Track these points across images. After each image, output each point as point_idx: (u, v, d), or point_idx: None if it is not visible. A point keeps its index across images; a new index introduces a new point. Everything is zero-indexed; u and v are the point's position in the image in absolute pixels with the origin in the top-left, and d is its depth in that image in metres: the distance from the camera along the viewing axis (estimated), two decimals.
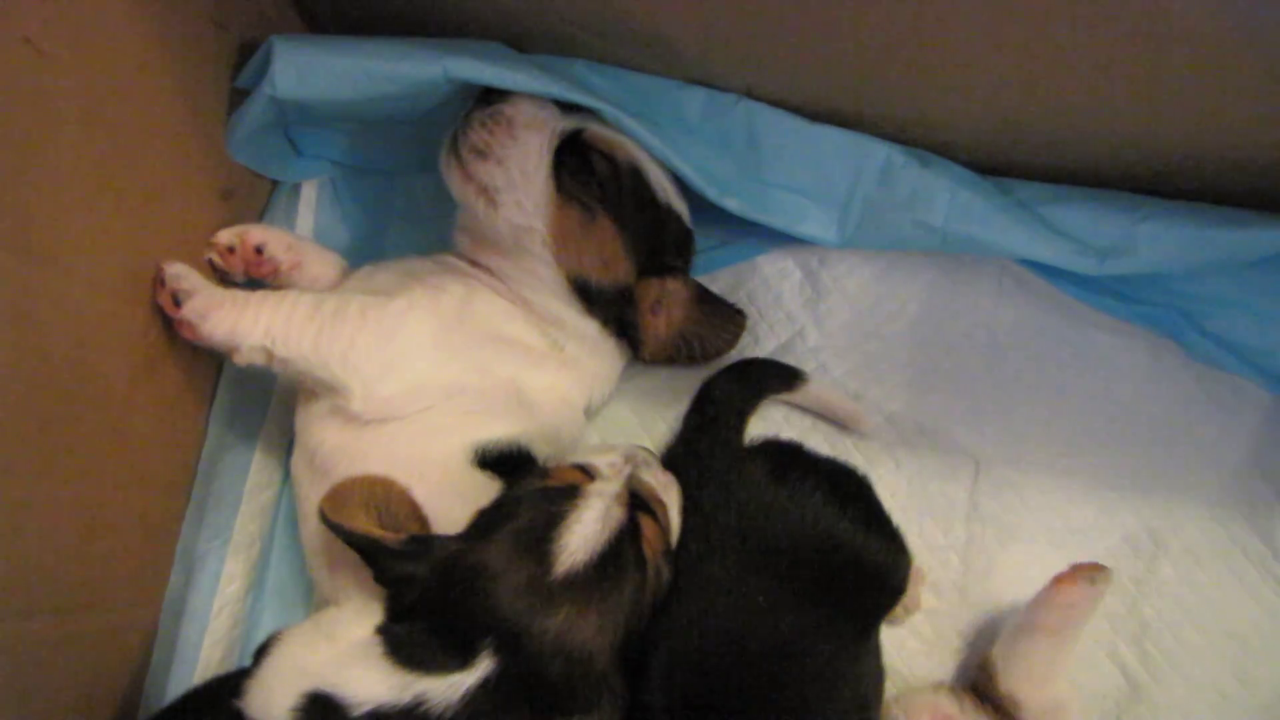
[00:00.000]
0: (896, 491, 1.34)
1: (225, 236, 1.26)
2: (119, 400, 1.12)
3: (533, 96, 1.21)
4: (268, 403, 1.37)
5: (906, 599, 1.24)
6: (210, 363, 1.31)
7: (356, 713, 0.99)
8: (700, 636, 1.07)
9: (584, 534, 1.01)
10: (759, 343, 1.40)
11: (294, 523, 1.34)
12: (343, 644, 1.06)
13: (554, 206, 1.20)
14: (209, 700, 1.12)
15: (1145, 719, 1.25)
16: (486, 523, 1.05)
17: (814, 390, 1.33)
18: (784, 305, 1.40)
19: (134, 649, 1.24)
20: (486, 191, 1.20)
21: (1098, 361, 1.37)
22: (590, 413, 1.32)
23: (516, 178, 1.19)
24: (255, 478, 1.35)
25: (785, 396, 1.34)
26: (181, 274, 1.16)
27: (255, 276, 1.29)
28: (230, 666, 1.27)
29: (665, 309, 1.28)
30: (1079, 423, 1.35)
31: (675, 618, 1.08)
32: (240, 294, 1.17)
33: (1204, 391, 1.36)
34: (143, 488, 1.21)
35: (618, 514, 1.04)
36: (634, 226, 1.23)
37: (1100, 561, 1.27)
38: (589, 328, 1.27)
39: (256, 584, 1.34)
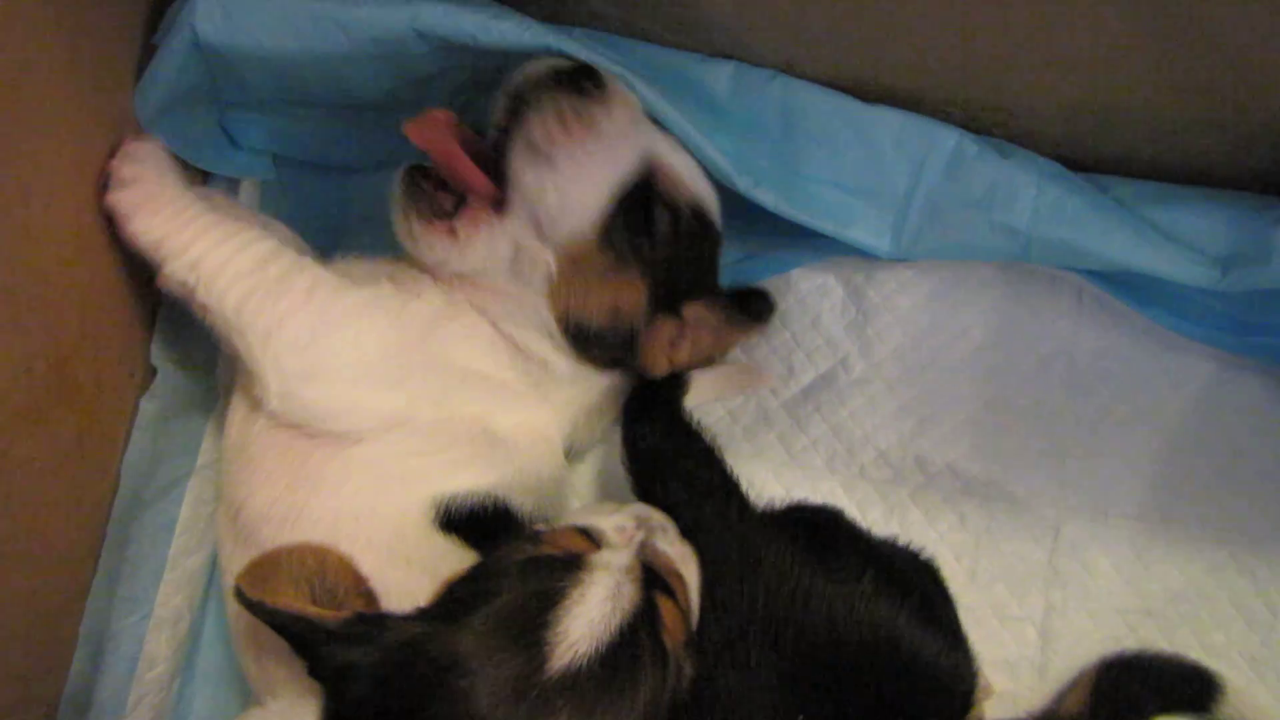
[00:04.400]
0: (962, 554, 1.11)
1: None
2: None
3: (629, 98, 0.97)
4: (197, 445, 1.13)
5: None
6: (121, 400, 1.06)
7: None
8: None
9: (589, 618, 0.78)
10: (794, 374, 1.17)
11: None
12: None
13: (582, 245, 0.97)
14: None
15: None
16: (460, 599, 0.82)
17: (702, 385, 1.10)
18: (823, 329, 1.17)
19: None
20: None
21: (1204, 394, 1.14)
22: (573, 454, 1.10)
23: (567, 197, 0.95)
24: (182, 539, 1.12)
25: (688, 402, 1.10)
26: (133, 154, 0.95)
27: None
28: None
29: (688, 340, 1.05)
30: (1181, 469, 1.13)
31: None
32: (190, 204, 0.95)
33: None
34: (30, 562, 0.97)
35: (630, 592, 0.81)
36: (668, 274, 1.01)
37: (1210, 634, 1.08)
38: (580, 370, 1.05)
39: (185, 667, 1.14)
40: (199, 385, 1.13)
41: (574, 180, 0.95)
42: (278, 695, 0.91)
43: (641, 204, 0.97)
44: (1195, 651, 1.09)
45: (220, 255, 0.92)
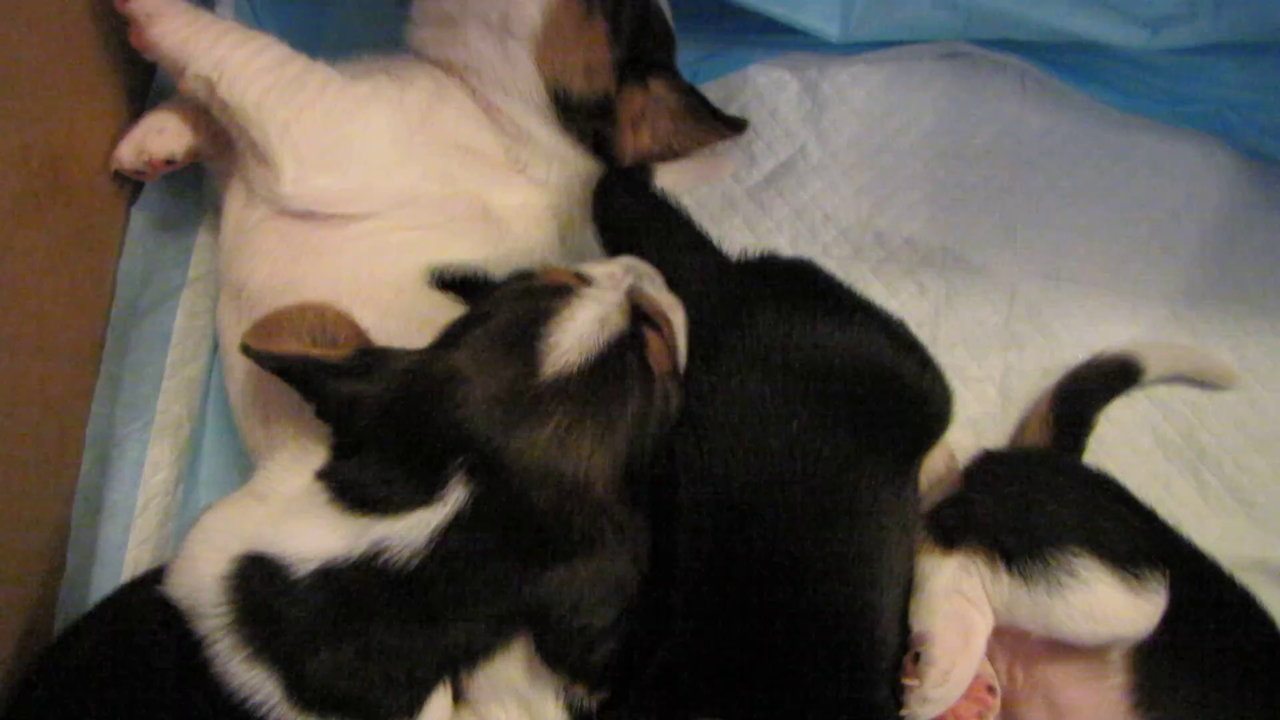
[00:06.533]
0: (922, 321, 1.18)
1: (127, 157, 1.07)
2: None
3: None
4: (188, 258, 1.18)
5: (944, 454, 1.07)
6: (113, 206, 1.11)
7: (301, 571, 0.82)
8: (728, 474, 0.89)
9: (579, 333, 0.83)
10: (755, 162, 1.23)
11: (228, 402, 1.15)
12: (277, 501, 0.88)
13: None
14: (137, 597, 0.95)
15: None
16: (457, 330, 0.87)
17: (666, 176, 1.14)
18: (781, 120, 1.23)
19: (39, 549, 1.04)
20: None
21: (1141, 164, 1.22)
22: (567, 240, 1.14)
23: None
24: (178, 349, 1.17)
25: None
26: None
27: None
28: None
29: (649, 122, 1.10)
30: (1123, 232, 1.21)
31: (694, 459, 0.90)
32: (205, 14, 1.01)
33: (1260, 192, 1.21)
34: (37, 354, 1.01)
35: (618, 321, 0.86)
36: (625, 30, 1.07)
37: (1155, 389, 1.15)
38: (561, 146, 1.09)
39: (187, 474, 1.18)
40: (187, 199, 1.18)
41: None
42: (287, 448, 0.95)
43: None
44: (1142, 401, 1.16)
45: (242, 55, 0.98)
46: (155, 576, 0.91)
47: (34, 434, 1.03)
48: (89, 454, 1.10)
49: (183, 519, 1.15)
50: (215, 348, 1.19)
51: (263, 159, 0.97)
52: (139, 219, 1.13)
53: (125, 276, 1.12)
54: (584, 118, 1.08)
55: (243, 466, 1.14)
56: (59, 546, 1.07)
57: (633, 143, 1.10)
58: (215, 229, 1.17)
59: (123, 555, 1.11)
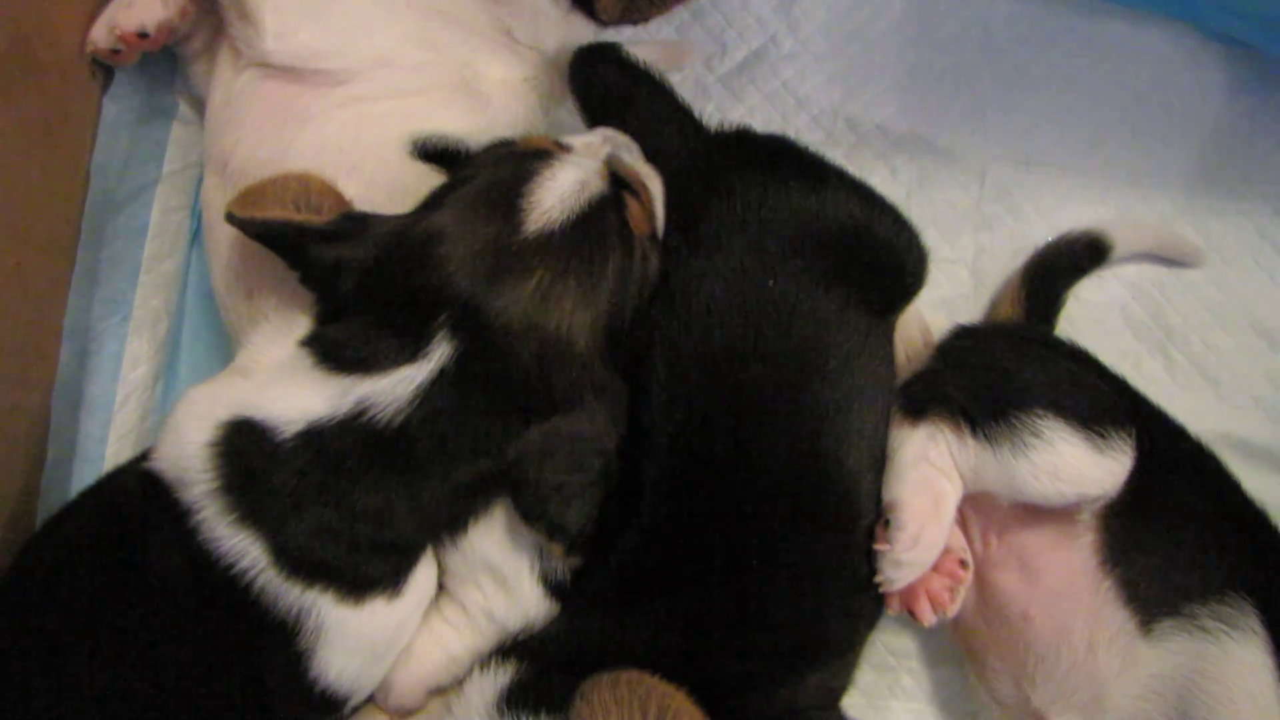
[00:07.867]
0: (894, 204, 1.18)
1: (100, 36, 1.06)
2: None
3: None
4: (163, 153, 1.17)
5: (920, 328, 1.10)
6: (86, 96, 1.10)
7: (286, 434, 0.83)
8: (704, 336, 0.90)
9: (560, 191, 0.84)
10: (727, 50, 1.24)
11: (206, 298, 1.16)
12: (261, 373, 0.88)
13: None
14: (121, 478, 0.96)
15: None
16: (439, 194, 0.88)
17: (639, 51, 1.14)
18: (752, 9, 1.24)
19: (21, 436, 1.04)
20: None
21: (1109, 49, 1.23)
22: (548, 115, 1.14)
23: None
24: (155, 244, 1.17)
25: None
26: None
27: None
28: None
29: None
30: (1092, 116, 1.22)
31: (670, 325, 0.91)
32: None
33: (1227, 74, 1.23)
34: (11, 237, 1.01)
35: (598, 184, 0.87)
36: None
37: (1124, 268, 1.18)
38: None
39: (166, 369, 1.18)
40: (161, 91, 1.17)
41: None
42: (270, 321, 0.96)
43: None
44: (1111, 281, 1.18)
45: None
46: (140, 459, 0.92)
47: (10, 319, 1.02)
48: (67, 346, 1.10)
49: (162, 414, 1.15)
50: (193, 242, 1.19)
51: (245, 14, 0.97)
52: (111, 109, 1.12)
53: (99, 168, 1.11)
54: None
55: (223, 362, 1.13)
56: (39, 437, 1.07)
57: None
58: (190, 123, 1.18)
59: (103, 450, 1.11)
